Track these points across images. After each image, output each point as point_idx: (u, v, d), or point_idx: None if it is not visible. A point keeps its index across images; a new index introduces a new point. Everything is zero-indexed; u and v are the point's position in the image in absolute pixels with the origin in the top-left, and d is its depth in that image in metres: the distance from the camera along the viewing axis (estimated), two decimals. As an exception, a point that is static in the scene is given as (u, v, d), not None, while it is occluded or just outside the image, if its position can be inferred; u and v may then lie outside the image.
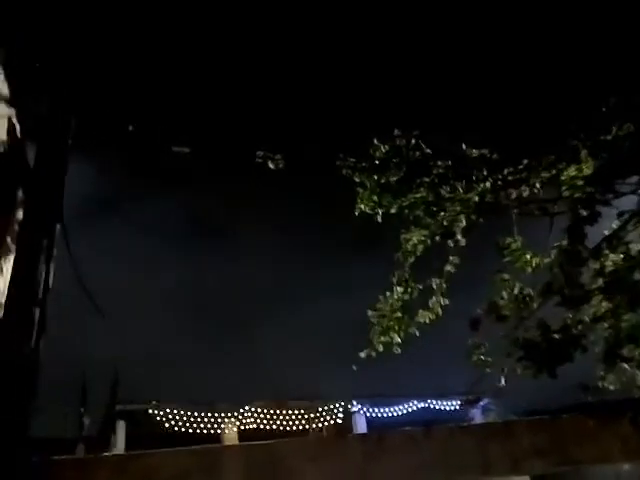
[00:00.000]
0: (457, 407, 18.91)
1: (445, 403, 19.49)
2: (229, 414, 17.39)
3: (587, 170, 4.50)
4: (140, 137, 6.13)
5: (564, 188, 4.62)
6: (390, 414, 19.37)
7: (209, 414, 17.29)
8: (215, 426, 17.31)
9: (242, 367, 19.23)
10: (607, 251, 4.24)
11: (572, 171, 4.75)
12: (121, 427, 15.71)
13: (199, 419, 17.21)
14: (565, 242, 4.09)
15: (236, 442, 16.26)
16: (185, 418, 17.06)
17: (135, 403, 16.18)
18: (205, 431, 17.16)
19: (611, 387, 6.06)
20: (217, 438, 16.83)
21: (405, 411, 19.44)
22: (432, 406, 19.62)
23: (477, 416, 18.41)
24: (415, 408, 19.51)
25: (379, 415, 19.13)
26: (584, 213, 3.75)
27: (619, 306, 4.41)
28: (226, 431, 17.30)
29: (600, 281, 4.26)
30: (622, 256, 4.31)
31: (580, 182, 4.44)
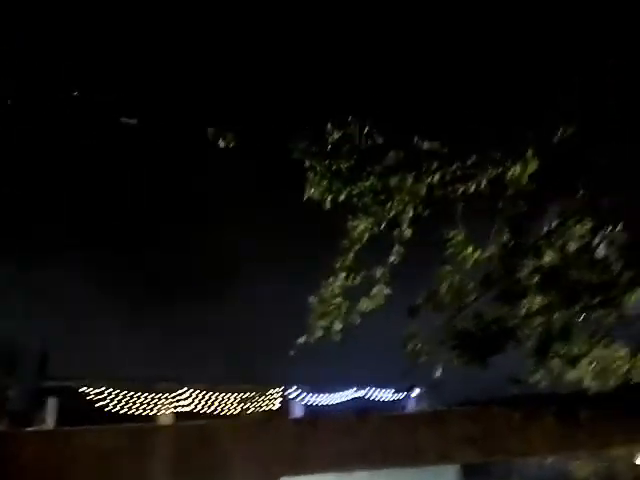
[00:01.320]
0: (393, 396, 19.29)
1: (381, 392, 19.83)
2: (164, 395, 17.16)
3: (532, 169, 4.60)
4: (86, 105, 5.88)
5: (509, 185, 4.71)
6: (327, 401, 19.57)
7: (144, 394, 17.00)
8: (150, 407, 17.04)
9: (180, 348, 18.99)
10: (545, 248, 4.36)
11: (517, 170, 4.85)
12: (52, 404, 15.24)
13: (134, 399, 16.91)
14: (507, 237, 4.17)
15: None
16: (120, 397, 16.72)
17: (67, 379, 15.73)
18: (139, 412, 16.88)
19: (541, 382, 6.28)
20: (152, 420, 16.58)
21: (342, 399, 19.68)
22: (369, 395, 19.93)
23: (411, 405, 18.84)
24: (352, 396, 19.77)
25: (316, 402, 19.29)
26: (526, 208, 3.83)
27: (553, 303, 4.55)
28: (161, 413, 17.06)
29: (537, 277, 4.38)
30: (559, 254, 4.44)
31: (524, 180, 4.54)
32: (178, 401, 17.32)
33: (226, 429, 6.73)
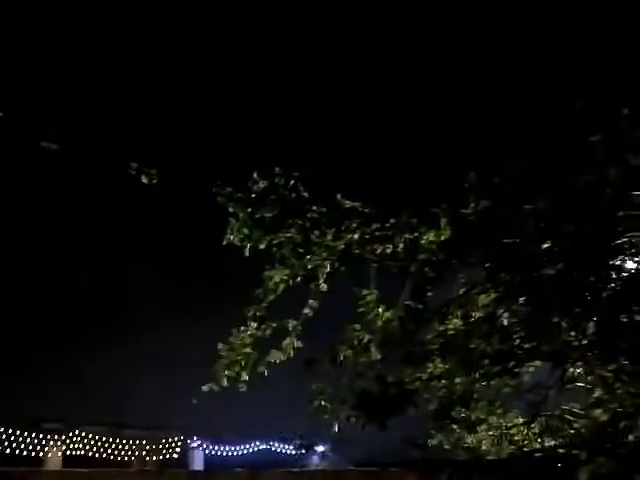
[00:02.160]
0: (298, 450, 18.96)
1: (287, 447, 19.46)
2: (55, 436, 16.03)
3: (444, 237, 4.81)
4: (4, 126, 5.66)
5: (421, 251, 4.89)
6: (230, 453, 18.96)
7: (32, 434, 15.83)
8: (38, 448, 15.86)
9: (75, 386, 17.95)
10: (449, 315, 4.53)
11: (431, 236, 5.06)
12: None
13: (20, 438, 15.68)
14: (413, 300, 4.30)
15: (59, 468, 15.02)
16: (4, 436, 15.48)
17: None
18: (25, 452, 15.67)
19: (441, 446, 6.41)
20: (39, 462, 15.45)
21: (246, 451, 19.15)
22: (274, 449, 19.51)
23: (316, 461, 18.58)
24: (256, 449, 19.29)
25: (219, 453, 18.65)
26: (430, 274, 3.99)
27: (454, 369, 4.68)
28: (50, 455, 15.91)
29: (439, 343, 4.52)
30: (462, 322, 4.62)
31: (435, 247, 4.74)
32: (69, 443, 16.23)
33: (115, 478, 6.33)
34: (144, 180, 5.69)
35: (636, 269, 4.69)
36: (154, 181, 5.71)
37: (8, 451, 15.38)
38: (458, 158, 4.93)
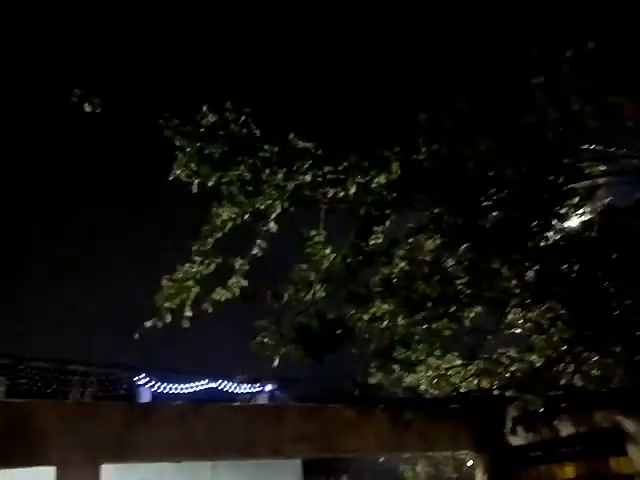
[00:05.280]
0: (247, 390, 19.27)
1: (236, 385, 19.72)
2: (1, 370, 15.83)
3: (394, 178, 4.78)
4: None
5: (371, 193, 4.87)
6: (178, 391, 19.12)
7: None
8: (-20, 382, 15.62)
9: (22, 321, 17.60)
10: (394, 258, 4.56)
11: (382, 180, 5.03)
12: None
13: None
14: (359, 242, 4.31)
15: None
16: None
17: None
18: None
19: (382, 384, 6.61)
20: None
21: (194, 389, 19.34)
22: (222, 387, 19.76)
23: (264, 400, 18.94)
24: (205, 387, 19.49)
25: (166, 391, 18.78)
26: (376, 214, 3.98)
27: (396, 310, 4.77)
28: (-8, 389, 15.72)
29: (383, 285, 4.56)
30: (407, 265, 4.67)
31: (385, 190, 4.72)
32: (14, 377, 16.06)
33: (47, 409, 6.29)
34: (87, 108, 5.41)
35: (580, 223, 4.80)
36: (97, 110, 5.44)
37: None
38: (410, 100, 4.87)
